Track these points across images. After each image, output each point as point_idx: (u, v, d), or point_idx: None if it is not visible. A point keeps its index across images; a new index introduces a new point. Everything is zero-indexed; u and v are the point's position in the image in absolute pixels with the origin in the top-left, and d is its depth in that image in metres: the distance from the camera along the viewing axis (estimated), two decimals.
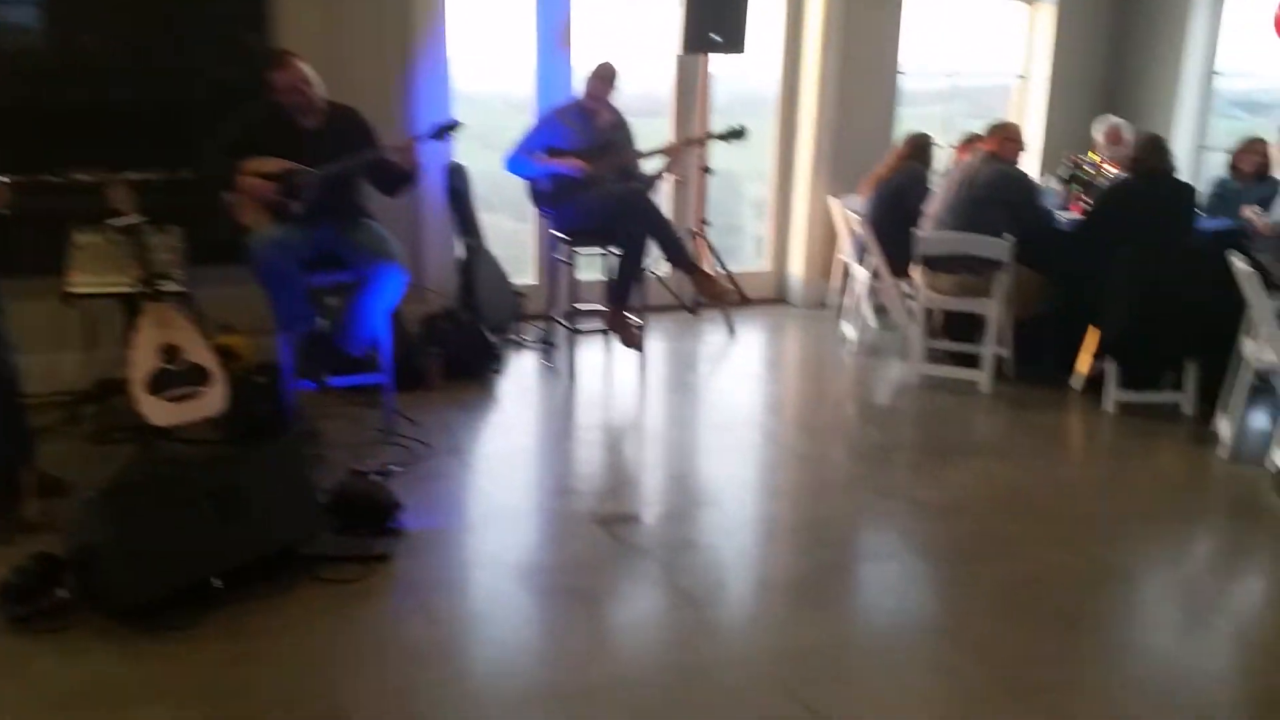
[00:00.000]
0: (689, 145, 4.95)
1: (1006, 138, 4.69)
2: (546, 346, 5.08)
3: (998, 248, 4.49)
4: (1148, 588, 3.08)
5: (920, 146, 5.21)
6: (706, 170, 5.81)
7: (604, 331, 4.85)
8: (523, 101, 5.59)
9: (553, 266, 4.95)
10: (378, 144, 3.85)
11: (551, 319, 5.06)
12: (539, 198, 4.79)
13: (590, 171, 4.65)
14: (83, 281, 3.90)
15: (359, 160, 3.74)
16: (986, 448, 4.13)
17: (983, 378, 4.66)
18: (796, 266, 6.35)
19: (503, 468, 3.83)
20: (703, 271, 4.81)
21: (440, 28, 5.04)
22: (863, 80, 6.06)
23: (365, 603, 2.78)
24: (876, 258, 5.13)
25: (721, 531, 3.34)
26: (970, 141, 5.13)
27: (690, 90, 5.84)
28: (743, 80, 6.43)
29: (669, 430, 4.33)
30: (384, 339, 3.94)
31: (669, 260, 4.71)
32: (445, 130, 3.85)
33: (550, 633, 2.73)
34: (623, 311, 4.71)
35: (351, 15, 4.85)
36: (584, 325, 4.98)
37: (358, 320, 3.79)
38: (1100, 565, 3.12)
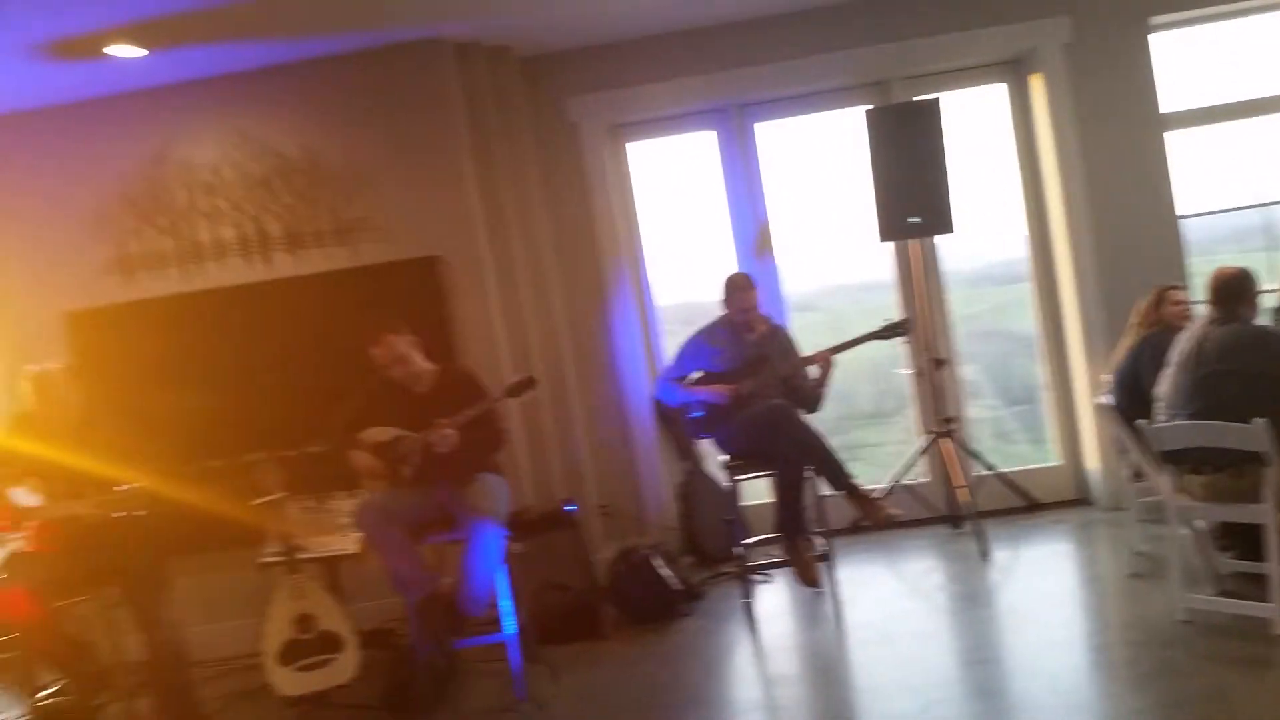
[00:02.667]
0: (843, 349, 4.41)
1: (1226, 288, 3.62)
2: (748, 581, 4.61)
3: (1250, 436, 3.38)
4: None
5: (1155, 303, 4.22)
6: (940, 362, 5.13)
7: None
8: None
9: (728, 495, 4.56)
10: (488, 401, 3.87)
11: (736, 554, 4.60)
12: (693, 424, 4.49)
13: (736, 393, 4.30)
14: (269, 553, 4.25)
15: (460, 419, 3.78)
16: None
17: (1276, 614, 3.43)
18: (1093, 459, 5.29)
19: None
20: (862, 494, 4.16)
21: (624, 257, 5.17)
22: (1131, 234, 5.09)
23: None
24: (1133, 452, 4.11)
25: None
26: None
27: (915, 272, 5.26)
28: (985, 253, 5.74)
29: (836, 699, 3.63)
30: (502, 597, 3.82)
31: (826, 480, 4.17)
32: (521, 388, 3.82)
33: None
34: (795, 541, 4.20)
35: (534, 269, 5.10)
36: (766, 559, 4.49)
37: (469, 578, 3.72)
38: None
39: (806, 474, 4.17)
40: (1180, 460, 3.63)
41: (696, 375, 4.52)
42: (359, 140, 4.82)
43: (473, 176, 4.88)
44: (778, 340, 4.52)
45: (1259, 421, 3.34)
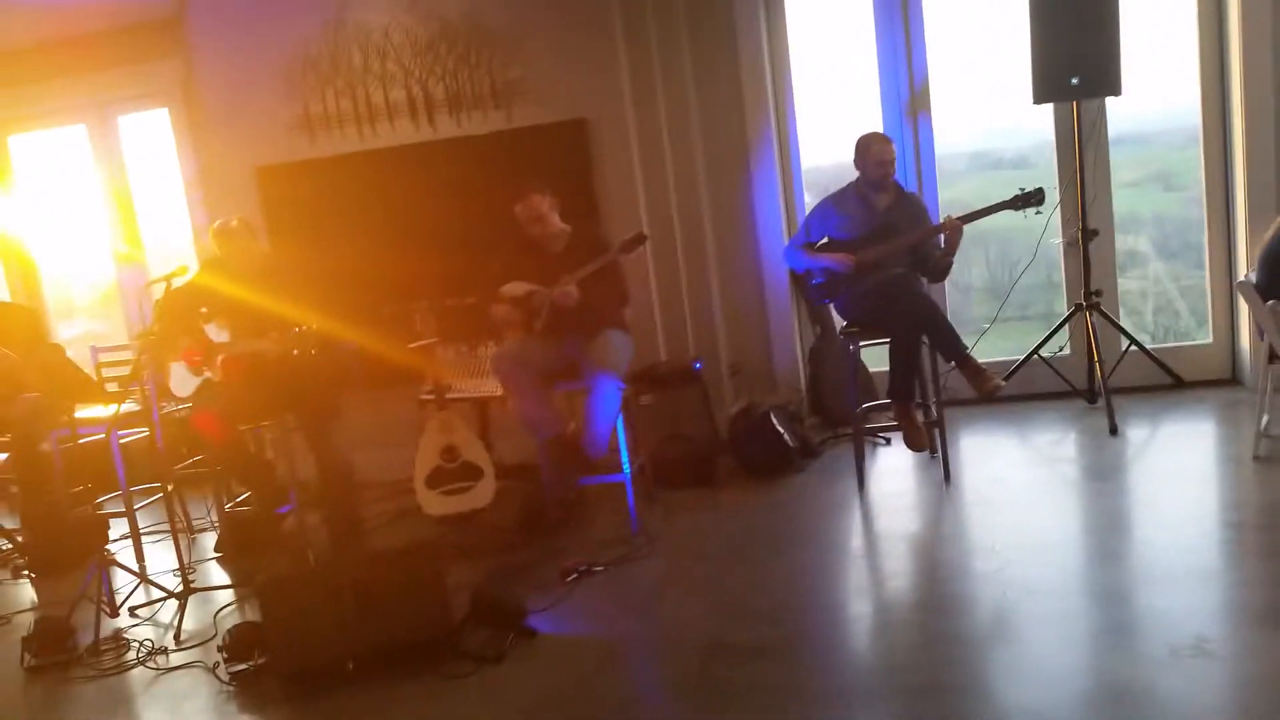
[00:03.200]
0: (972, 218, 4.33)
1: None
2: (862, 443, 4.76)
3: None
4: None
5: None
6: (1091, 232, 4.97)
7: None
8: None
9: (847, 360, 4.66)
10: (604, 257, 4.10)
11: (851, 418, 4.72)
12: (816, 290, 4.58)
13: (859, 261, 4.35)
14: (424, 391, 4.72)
15: (579, 275, 4.05)
16: None
17: None
18: (1246, 338, 5.06)
19: (696, 585, 3.70)
20: (972, 366, 4.16)
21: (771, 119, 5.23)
22: None
23: (472, 692, 3.06)
24: (1269, 333, 3.95)
25: None
26: None
27: (1080, 137, 5.00)
28: (1162, 113, 5.40)
29: (915, 557, 3.82)
30: (621, 441, 4.15)
31: (939, 351, 4.22)
32: (632, 244, 4.03)
33: None
34: (906, 406, 4.30)
35: (678, 131, 5.20)
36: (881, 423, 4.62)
37: (591, 425, 4.07)
38: None
39: (920, 343, 4.22)
40: None
41: (824, 241, 4.56)
42: (515, 3, 5.01)
43: (622, 39, 5.00)
44: (908, 207, 4.50)
45: None
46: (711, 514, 4.37)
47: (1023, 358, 5.20)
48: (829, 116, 5.56)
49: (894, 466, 4.66)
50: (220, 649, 3.43)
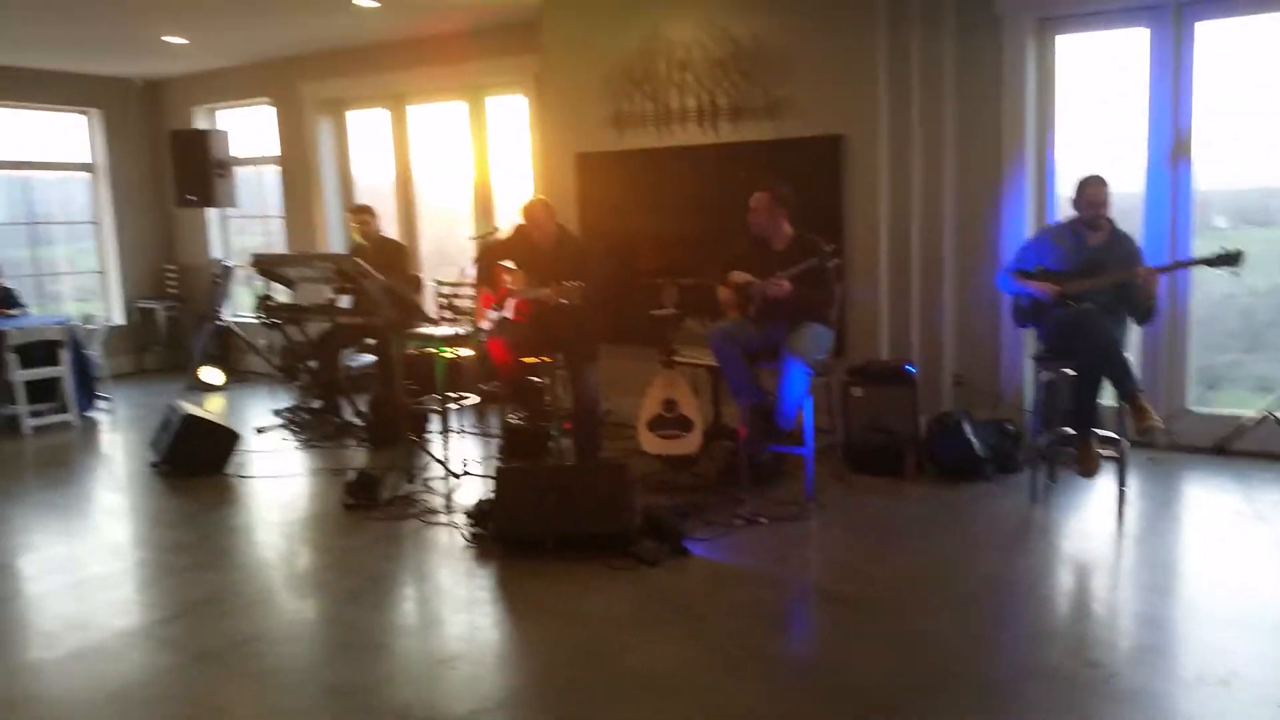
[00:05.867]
0: (1168, 270, 4.48)
1: None
2: (1051, 464, 5.07)
3: None
4: None
5: None
6: None
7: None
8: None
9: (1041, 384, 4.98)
10: (814, 261, 4.80)
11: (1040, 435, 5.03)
12: (1016, 314, 4.96)
13: (1061, 292, 4.67)
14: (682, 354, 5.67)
15: (792, 273, 4.78)
16: None
17: None
18: None
19: (832, 548, 4.39)
20: (1138, 404, 4.36)
21: (1028, 149, 5.60)
22: None
23: (626, 582, 3.97)
24: None
25: None
26: None
27: None
28: None
29: (1036, 571, 4.19)
30: (807, 420, 4.85)
31: (1112, 386, 4.47)
32: (831, 255, 4.65)
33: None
34: (1084, 435, 4.61)
35: (930, 151, 5.71)
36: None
37: (781, 401, 4.81)
38: None
39: (1099, 375, 4.49)
40: None
41: (1038, 269, 4.91)
42: (793, 26, 5.82)
43: (884, 63, 5.62)
44: (1120, 247, 4.71)
45: None
46: (883, 499, 4.94)
47: (1258, 415, 5.22)
48: (1092, 155, 5.73)
49: (1093, 494, 4.87)
50: (467, 515, 4.61)
